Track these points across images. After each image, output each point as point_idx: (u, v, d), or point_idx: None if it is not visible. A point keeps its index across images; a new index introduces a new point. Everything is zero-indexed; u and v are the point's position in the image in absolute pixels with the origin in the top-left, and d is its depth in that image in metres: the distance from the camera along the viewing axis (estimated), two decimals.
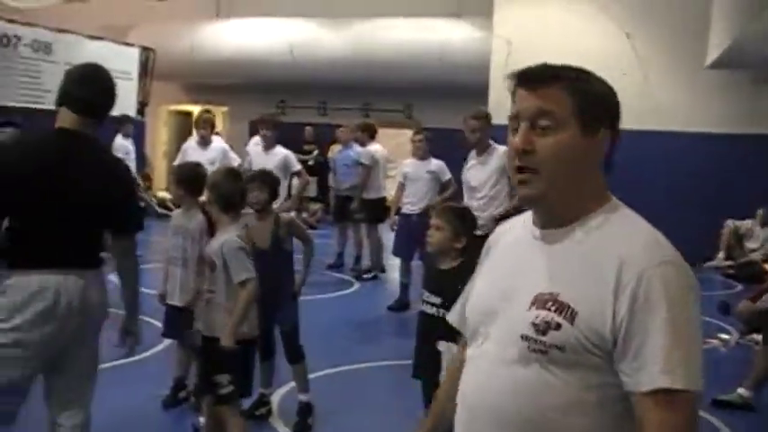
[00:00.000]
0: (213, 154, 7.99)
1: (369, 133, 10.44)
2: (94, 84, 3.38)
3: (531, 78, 1.63)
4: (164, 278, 5.18)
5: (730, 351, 7.50)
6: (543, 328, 1.57)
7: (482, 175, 6.58)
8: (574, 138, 1.60)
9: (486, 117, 6.63)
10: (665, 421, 1.49)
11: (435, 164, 8.46)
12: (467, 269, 3.85)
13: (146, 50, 15.88)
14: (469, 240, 3.78)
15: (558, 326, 1.55)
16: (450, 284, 3.72)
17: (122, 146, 11.60)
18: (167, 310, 5.19)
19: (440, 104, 15.42)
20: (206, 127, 8.20)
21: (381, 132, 11.13)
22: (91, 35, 14.90)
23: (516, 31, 13.90)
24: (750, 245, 11.88)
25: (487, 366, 1.67)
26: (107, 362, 5.89)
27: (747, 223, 12.25)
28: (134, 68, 15.70)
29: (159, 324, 5.46)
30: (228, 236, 4.05)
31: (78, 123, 3.30)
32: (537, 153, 1.60)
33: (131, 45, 15.86)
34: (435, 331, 3.58)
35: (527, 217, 1.76)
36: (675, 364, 1.48)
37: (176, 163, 7.34)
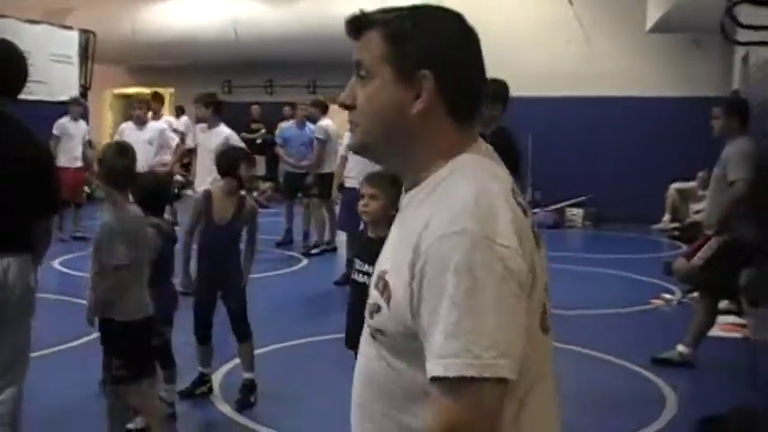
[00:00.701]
0: (150, 134, 7.92)
1: (321, 109, 10.58)
2: (5, 61, 3.31)
3: (351, 28, 1.49)
4: None
5: (674, 310, 7.64)
6: (371, 310, 1.44)
7: None
8: (385, 85, 1.43)
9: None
10: (444, 411, 1.29)
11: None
12: None
13: (85, 33, 15.61)
14: None
15: (379, 308, 1.41)
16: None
17: (62, 126, 11.40)
18: None
19: None
20: (141, 107, 8.11)
21: (330, 109, 11.14)
22: (29, 19, 14.61)
23: (460, 3, 13.87)
24: (694, 206, 12.06)
25: (360, 347, 1.55)
26: (42, 348, 5.89)
27: (690, 185, 12.43)
28: (74, 52, 15.43)
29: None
30: (108, 217, 3.98)
31: None
32: (356, 105, 1.47)
33: (70, 28, 15.57)
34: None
35: None
36: (454, 348, 1.26)
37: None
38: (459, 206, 1.33)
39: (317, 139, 10.33)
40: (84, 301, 4.14)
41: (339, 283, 8.51)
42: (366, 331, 1.50)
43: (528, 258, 1.34)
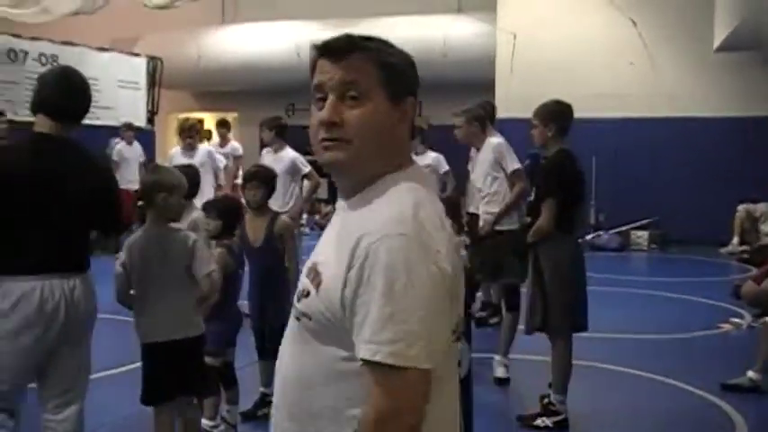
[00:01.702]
0: (199, 158, 8.08)
1: None
2: (70, 88, 3.39)
3: (335, 49, 1.60)
4: None
5: (743, 335, 7.43)
6: (299, 295, 1.60)
7: (478, 169, 6.41)
8: (380, 107, 1.59)
9: (469, 112, 6.41)
10: (375, 397, 1.46)
11: (432, 157, 8.42)
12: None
13: (153, 60, 15.95)
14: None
15: (308, 293, 1.57)
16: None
17: (119, 151, 11.85)
18: None
19: (446, 101, 15.35)
20: (192, 134, 8.31)
21: None
22: (99, 47, 15.00)
23: (520, 24, 13.87)
24: (765, 228, 11.75)
25: (285, 336, 1.70)
26: (102, 369, 5.96)
27: (761, 207, 12.12)
28: (142, 78, 15.78)
29: None
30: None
31: (56, 128, 3.32)
32: (346, 124, 1.57)
33: (138, 55, 15.93)
34: None
35: None
36: (386, 338, 1.43)
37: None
38: (398, 212, 1.51)
39: None
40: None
41: None
42: (290, 329, 1.65)
43: (454, 268, 1.54)
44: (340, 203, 1.69)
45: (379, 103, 1.59)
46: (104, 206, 3.49)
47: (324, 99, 1.60)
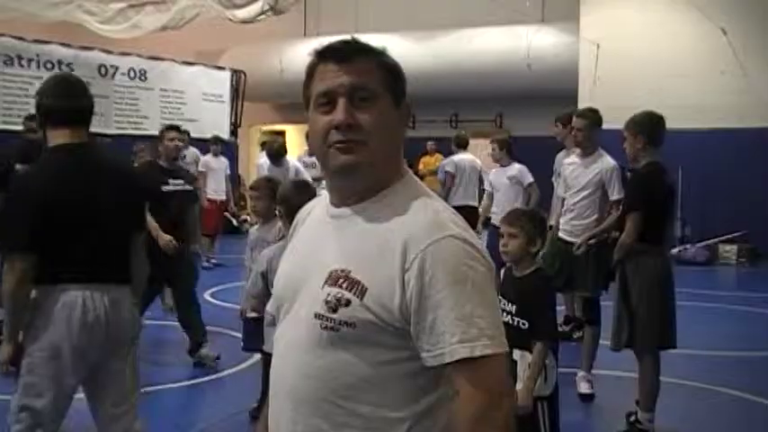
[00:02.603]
0: (289, 170, 8.21)
1: (459, 143, 10.58)
2: (70, 91, 3.32)
3: (342, 53, 1.62)
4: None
5: None
6: (334, 305, 1.57)
7: (583, 179, 6.01)
8: (389, 109, 1.63)
9: (590, 118, 6.06)
10: (469, 395, 1.50)
11: (516, 168, 8.32)
12: (542, 276, 3.84)
13: (236, 73, 16.22)
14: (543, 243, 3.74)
15: (348, 302, 1.55)
16: (525, 291, 3.70)
17: (206, 163, 12.07)
18: (246, 324, 5.24)
19: (529, 112, 15.24)
20: (279, 156, 8.50)
21: (473, 143, 11.12)
22: (184, 61, 15.33)
23: (604, 34, 13.65)
24: None
25: (283, 349, 1.68)
26: (188, 380, 6.04)
27: None
28: (226, 91, 16.06)
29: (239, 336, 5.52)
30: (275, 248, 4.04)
31: (72, 135, 3.26)
32: (362, 126, 1.58)
33: (222, 68, 16.22)
34: (509, 339, 3.50)
35: (326, 195, 1.75)
36: (475, 333, 1.50)
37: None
38: (433, 215, 1.58)
39: (446, 171, 10.33)
40: (234, 333, 4.21)
41: None
42: (311, 329, 1.60)
43: None
44: (331, 210, 1.69)
45: (386, 105, 1.62)
46: (136, 209, 3.47)
47: (329, 104, 1.61)
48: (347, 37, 1.68)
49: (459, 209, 10.03)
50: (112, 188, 3.28)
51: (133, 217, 3.43)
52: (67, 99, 3.26)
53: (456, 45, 15.65)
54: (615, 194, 5.79)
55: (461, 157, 10.41)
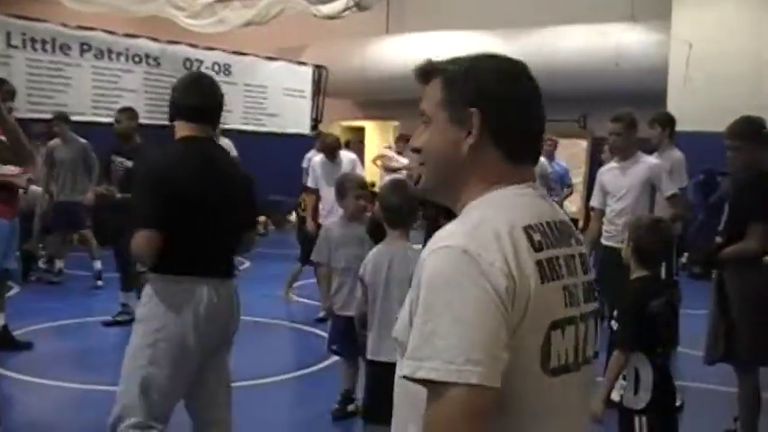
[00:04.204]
0: (342, 167, 8.18)
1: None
2: (201, 91, 3.49)
3: (419, 75, 1.65)
4: (332, 289, 5.19)
5: None
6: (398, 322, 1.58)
7: (628, 182, 5.84)
8: (441, 127, 1.58)
9: (627, 120, 5.99)
10: (427, 412, 1.38)
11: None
12: (636, 283, 3.75)
13: (318, 69, 16.25)
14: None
15: (403, 319, 1.54)
16: (625, 302, 3.76)
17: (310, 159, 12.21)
18: (334, 322, 5.19)
19: (614, 113, 14.85)
20: (333, 151, 8.46)
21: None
22: (267, 56, 15.43)
23: (696, 33, 13.23)
24: None
25: None
26: (274, 375, 6.03)
27: None
28: (307, 87, 16.10)
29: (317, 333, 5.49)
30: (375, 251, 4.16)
31: (196, 131, 3.43)
32: (422, 149, 1.62)
33: (305, 64, 16.28)
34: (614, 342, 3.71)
35: None
36: (426, 353, 1.36)
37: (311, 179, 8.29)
38: (455, 227, 1.47)
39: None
40: (316, 330, 4.20)
41: None
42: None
43: (524, 290, 1.40)
44: None
45: (439, 124, 1.59)
46: (248, 205, 3.59)
47: None
48: (428, 58, 1.68)
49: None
50: (230, 183, 3.43)
51: (247, 213, 3.60)
52: (192, 96, 3.44)
53: (541, 43, 15.37)
54: (668, 191, 5.75)
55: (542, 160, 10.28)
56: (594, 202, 6.10)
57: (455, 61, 1.62)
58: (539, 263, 1.45)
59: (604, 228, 5.88)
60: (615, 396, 3.72)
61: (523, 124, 1.60)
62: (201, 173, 3.34)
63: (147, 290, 3.34)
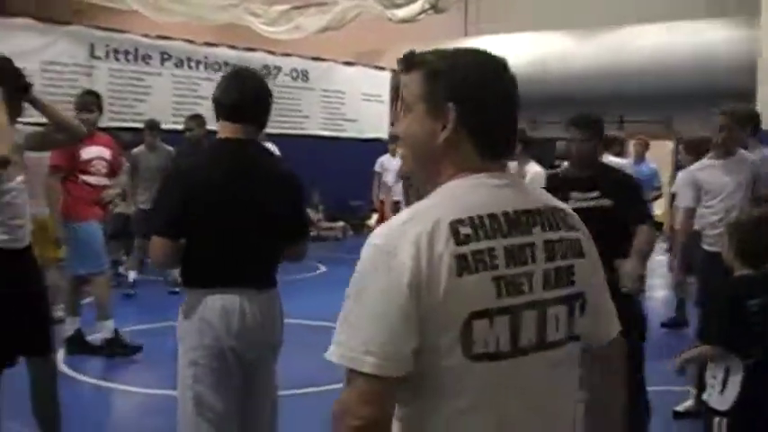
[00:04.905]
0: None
1: (604, 144, 10.25)
2: (244, 89, 3.24)
3: (402, 66, 1.69)
4: None
5: None
6: None
7: (724, 179, 5.53)
8: (418, 118, 1.64)
9: (734, 114, 5.57)
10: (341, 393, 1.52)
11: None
12: (732, 281, 3.56)
13: (396, 73, 16.22)
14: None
15: None
16: (717, 300, 3.61)
17: (381, 163, 12.19)
18: None
19: (702, 113, 14.41)
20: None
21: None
22: (345, 61, 15.46)
23: None
24: None
25: None
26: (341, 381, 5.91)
27: None
28: (385, 91, 16.08)
29: None
30: None
31: (237, 132, 3.19)
32: (401, 136, 1.70)
33: (382, 68, 16.26)
34: None
35: None
36: (339, 339, 1.51)
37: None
38: (388, 223, 1.59)
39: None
40: None
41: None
42: None
43: (436, 284, 1.47)
44: None
45: (417, 115, 1.64)
46: (293, 213, 3.33)
47: None
48: (411, 49, 1.70)
49: None
50: (269, 189, 3.21)
51: (292, 221, 3.32)
52: (231, 94, 3.21)
53: (619, 43, 15.03)
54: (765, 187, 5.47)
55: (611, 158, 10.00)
56: (688, 202, 5.75)
57: (437, 54, 1.67)
58: (459, 256, 1.50)
59: (705, 232, 5.53)
60: (705, 396, 3.55)
61: (498, 121, 1.65)
62: (231, 177, 3.13)
63: (183, 306, 3.20)
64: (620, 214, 4.06)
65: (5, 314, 3.86)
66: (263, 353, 3.25)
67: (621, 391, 1.86)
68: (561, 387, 1.67)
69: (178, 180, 3.20)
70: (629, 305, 3.91)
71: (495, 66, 1.68)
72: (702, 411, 3.59)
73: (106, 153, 6.62)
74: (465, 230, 1.52)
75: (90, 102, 6.53)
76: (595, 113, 4.51)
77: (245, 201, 3.13)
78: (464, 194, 1.59)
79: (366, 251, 1.54)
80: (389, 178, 12.02)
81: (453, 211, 1.54)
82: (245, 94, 3.21)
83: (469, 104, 1.60)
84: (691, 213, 5.66)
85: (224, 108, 3.21)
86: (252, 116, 3.22)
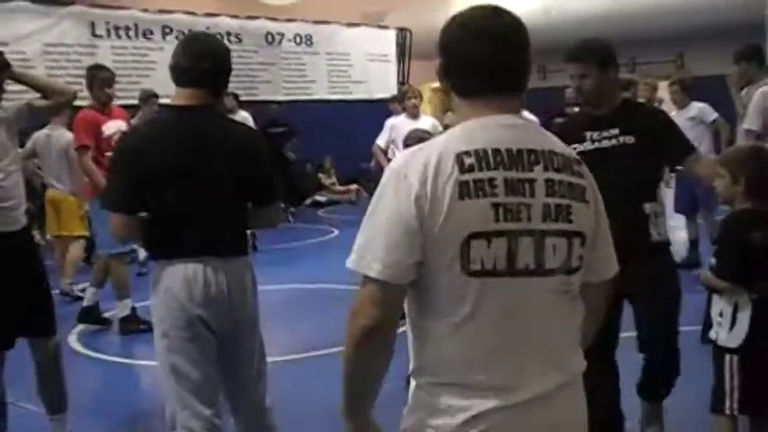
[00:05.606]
0: (426, 126, 7.83)
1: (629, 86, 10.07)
2: (189, 50, 3.11)
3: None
4: None
5: None
6: None
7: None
8: (439, 77, 1.92)
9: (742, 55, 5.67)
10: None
11: (696, 107, 7.82)
12: (737, 217, 3.47)
13: (402, 32, 16.03)
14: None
15: None
16: (723, 234, 3.54)
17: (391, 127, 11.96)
18: None
19: (714, 49, 14.17)
20: (416, 95, 8.12)
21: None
22: (349, 23, 15.29)
23: None
24: None
25: None
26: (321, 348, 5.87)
27: None
28: (391, 50, 15.91)
29: None
30: None
31: (190, 98, 3.08)
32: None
33: (387, 28, 16.07)
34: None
35: None
36: (354, 247, 1.75)
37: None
38: (409, 150, 1.82)
39: None
40: None
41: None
42: None
43: (439, 206, 1.68)
44: None
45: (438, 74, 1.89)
46: (255, 177, 3.17)
47: None
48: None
49: None
50: (229, 155, 3.09)
51: (257, 186, 3.20)
52: (184, 59, 3.09)
53: None
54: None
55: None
56: (754, 126, 5.63)
57: (454, 15, 1.87)
58: (462, 183, 1.69)
59: None
60: (712, 334, 3.48)
61: (470, 71, 1.82)
62: (185, 144, 3.02)
63: (152, 279, 3.15)
64: (649, 153, 3.60)
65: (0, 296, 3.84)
66: (238, 322, 3.17)
67: (595, 325, 2.01)
68: (560, 315, 1.80)
69: (126, 153, 3.11)
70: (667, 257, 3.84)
71: (482, 12, 1.84)
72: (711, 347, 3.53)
73: (124, 127, 6.59)
74: (469, 161, 1.71)
75: (111, 77, 6.63)
76: (596, 40, 3.88)
77: (197, 169, 3.02)
78: (473, 131, 1.77)
79: (385, 173, 1.76)
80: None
81: (461, 144, 1.73)
82: (195, 58, 3.06)
83: (446, 57, 1.85)
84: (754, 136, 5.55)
85: (173, 73, 3.10)
86: (203, 80, 3.09)
